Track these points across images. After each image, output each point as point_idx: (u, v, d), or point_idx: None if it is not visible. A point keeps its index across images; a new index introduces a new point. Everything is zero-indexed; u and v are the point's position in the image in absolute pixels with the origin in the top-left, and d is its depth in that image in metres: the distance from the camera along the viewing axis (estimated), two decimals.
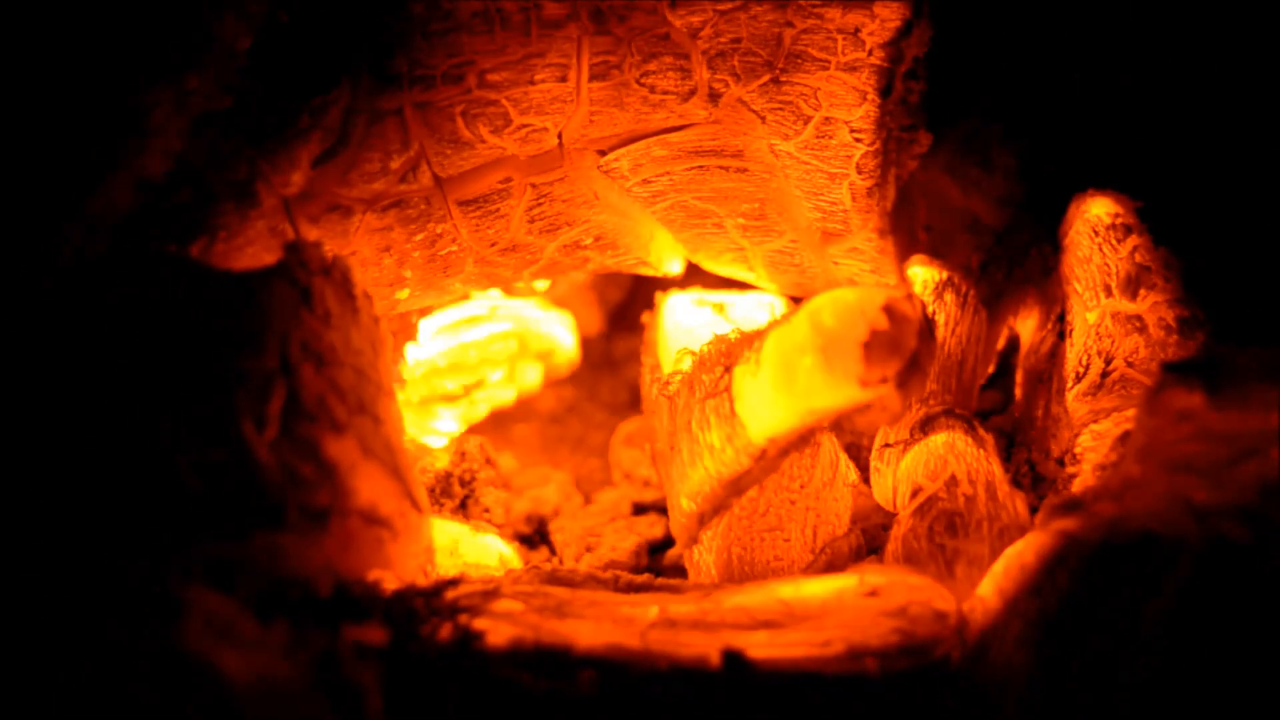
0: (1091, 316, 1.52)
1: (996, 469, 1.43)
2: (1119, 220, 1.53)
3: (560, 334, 1.83)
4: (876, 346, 1.28)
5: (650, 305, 1.75)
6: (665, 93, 1.54)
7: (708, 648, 1.11)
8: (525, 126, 1.53)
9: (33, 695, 1.02)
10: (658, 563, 1.67)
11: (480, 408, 1.81)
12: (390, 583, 1.19)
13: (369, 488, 1.21)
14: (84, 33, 1.35)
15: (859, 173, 1.55)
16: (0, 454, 1.14)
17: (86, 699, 1.02)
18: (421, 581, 1.20)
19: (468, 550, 1.50)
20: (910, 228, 1.72)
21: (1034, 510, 1.43)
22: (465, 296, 1.73)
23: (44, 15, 1.32)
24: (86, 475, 1.14)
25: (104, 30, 1.35)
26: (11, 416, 1.16)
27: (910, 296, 1.31)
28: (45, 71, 1.33)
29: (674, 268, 1.71)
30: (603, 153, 1.58)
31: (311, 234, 1.47)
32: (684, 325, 1.58)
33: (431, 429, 1.77)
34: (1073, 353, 1.54)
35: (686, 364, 1.50)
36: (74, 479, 1.14)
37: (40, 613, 1.06)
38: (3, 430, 1.16)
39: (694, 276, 1.74)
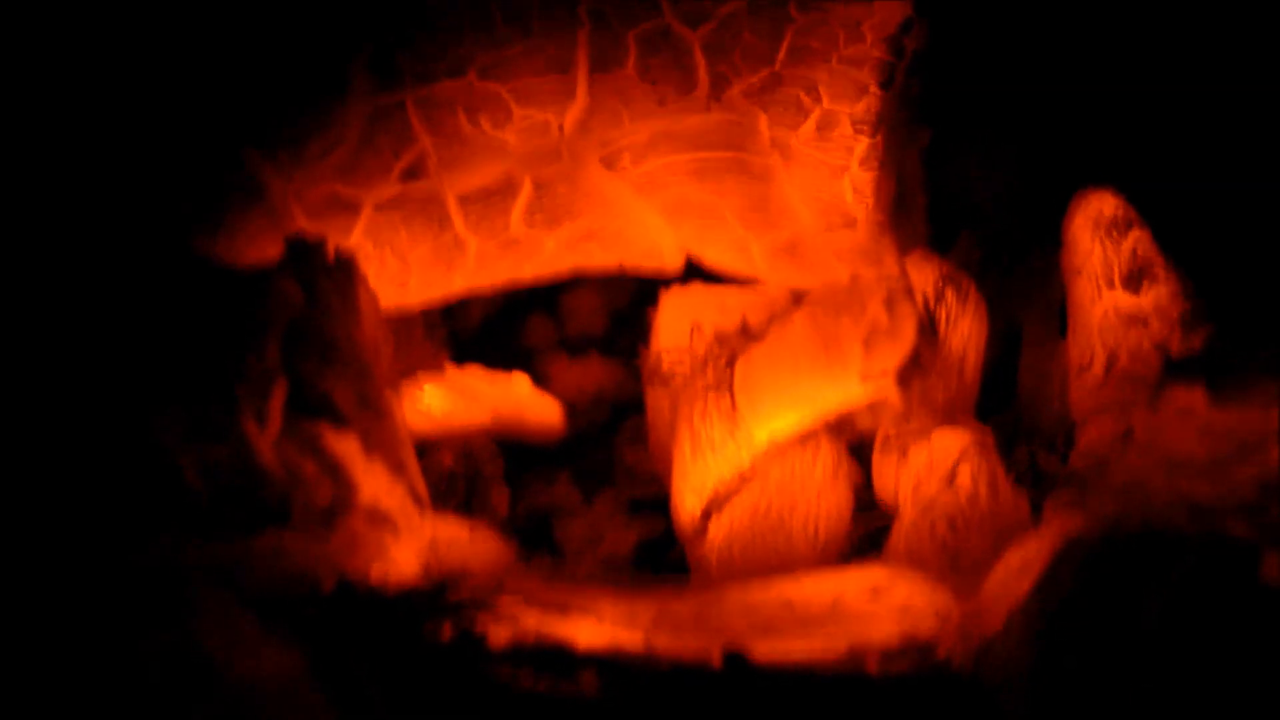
0: (1094, 311, 1.52)
1: (998, 466, 1.44)
2: (1120, 215, 1.53)
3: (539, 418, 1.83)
4: (877, 341, 1.29)
5: (652, 300, 1.75)
6: (666, 86, 1.53)
7: (709, 646, 1.12)
8: (527, 120, 1.53)
9: (47, 691, 1.02)
10: (659, 560, 1.67)
11: None
12: (393, 581, 1.20)
13: (372, 485, 1.21)
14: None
15: (860, 166, 1.55)
16: (4, 454, 1.15)
17: (99, 695, 1.02)
18: (424, 580, 1.21)
19: (470, 548, 1.50)
20: (911, 223, 1.71)
21: (1036, 508, 1.43)
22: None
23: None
24: (91, 474, 1.14)
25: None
26: (15, 417, 1.16)
27: (911, 292, 1.31)
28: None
29: (675, 262, 1.71)
30: (604, 146, 1.58)
31: (315, 229, 1.47)
32: (686, 321, 1.58)
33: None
34: (1075, 348, 1.54)
35: (689, 360, 1.50)
36: (78, 478, 1.14)
37: (52, 611, 1.06)
38: (7, 430, 1.16)
39: (695, 271, 1.74)
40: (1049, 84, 1.71)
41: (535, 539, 1.73)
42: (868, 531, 1.51)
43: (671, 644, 1.13)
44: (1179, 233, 1.52)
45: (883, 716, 1.11)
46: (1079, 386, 1.52)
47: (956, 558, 1.36)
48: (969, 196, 1.78)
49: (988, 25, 1.71)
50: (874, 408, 1.29)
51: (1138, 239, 1.52)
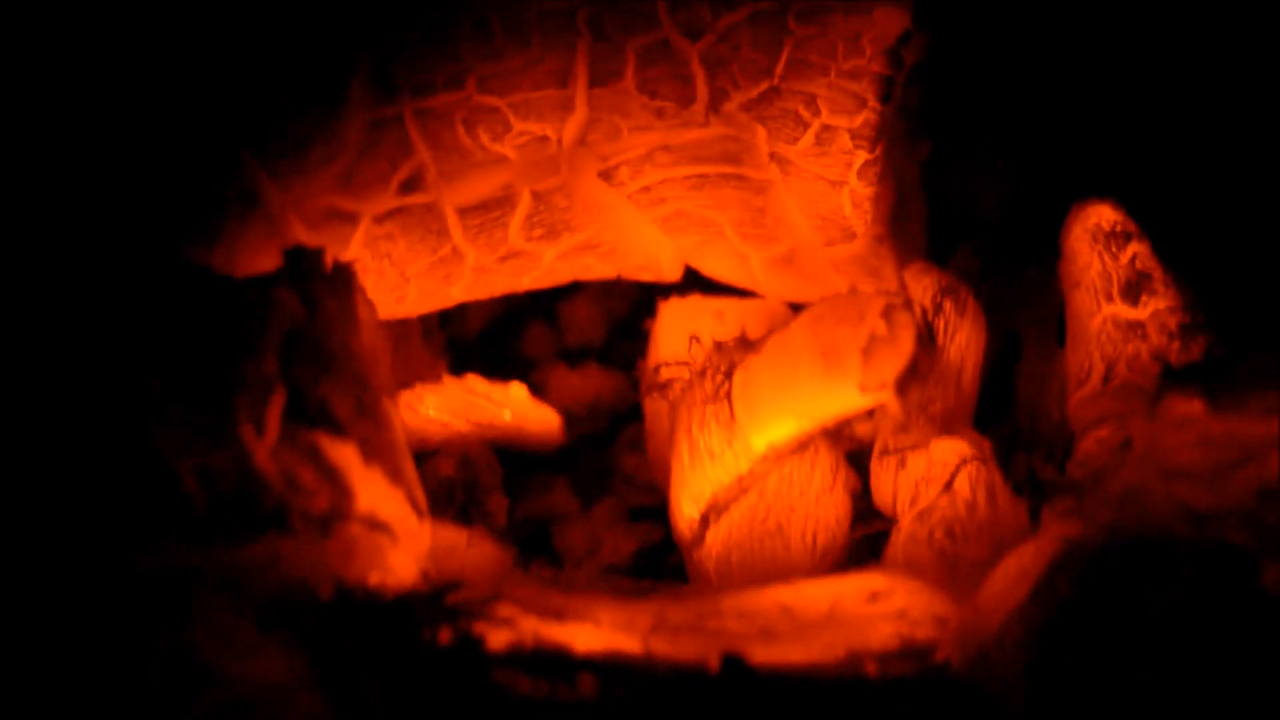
0: (1093, 323, 1.52)
1: (996, 475, 1.43)
2: (1119, 227, 1.53)
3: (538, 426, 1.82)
4: (875, 352, 1.29)
5: (651, 310, 1.75)
6: (665, 99, 1.54)
7: (707, 652, 1.11)
8: (525, 133, 1.53)
9: (47, 695, 1.02)
10: (658, 568, 1.67)
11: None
12: (391, 587, 1.19)
13: (370, 493, 1.21)
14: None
15: (859, 179, 1.55)
16: (4, 461, 1.15)
17: (98, 699, 1.02)
18: (422, 586, 1.20)
19: (469, 555, 1.50)
20: (910, 234, 1.72)
21: (1034, 517, 1.43)
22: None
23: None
24: (90, 480, 1.14)
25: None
26: (14, 424, 1.17)
27: (909, 303, 1.31)
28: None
29: (674, 274, 1.71)
30: (603, 159, 1.58)
31: (313, 240, 1.47)
32: (684, 331, 1.58)
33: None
34: (1074, 358, 1.54)
35: (687, 370, 1.50)
36: (78, 484, 1.14)
37: (52, 617, 1.06)
38: (7, 437, 1.16)
39: (694, 283, 1.74)
40: (1047, 88, 1.71)
41: (534, 546, 1.72)
42: (866, 539, 1.51)
43: (670, 649, 1.13)
44: (1178, 242, 1.52)
45: None
46: (1077, 397, 1.52)
47: (955, 565, 1.35)
48: (968, 208, 1.78)
49: (987, 35, 1.71)
50: (872, 415, 1.29)
51: (1136, 251, 1.52)
